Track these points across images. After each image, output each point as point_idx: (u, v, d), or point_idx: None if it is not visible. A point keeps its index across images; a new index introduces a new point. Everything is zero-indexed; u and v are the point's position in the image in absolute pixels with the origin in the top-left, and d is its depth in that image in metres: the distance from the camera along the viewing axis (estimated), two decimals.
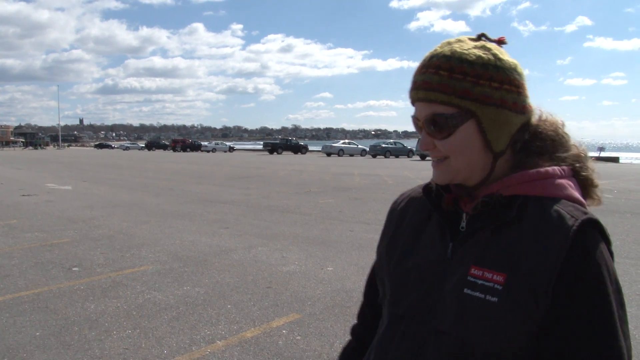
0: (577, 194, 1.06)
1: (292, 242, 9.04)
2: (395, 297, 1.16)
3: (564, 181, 1.06)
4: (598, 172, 1.13)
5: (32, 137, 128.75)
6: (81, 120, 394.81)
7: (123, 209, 13.39)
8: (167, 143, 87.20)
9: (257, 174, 25.03)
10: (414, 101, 1.09)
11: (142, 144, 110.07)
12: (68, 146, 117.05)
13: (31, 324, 5.15)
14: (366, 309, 1.42)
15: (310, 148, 64.15)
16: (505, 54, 1.07)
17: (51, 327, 5.09)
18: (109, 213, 12.63)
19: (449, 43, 1.07)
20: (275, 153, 58.45)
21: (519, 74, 1.06)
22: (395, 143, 56.55)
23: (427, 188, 1.19)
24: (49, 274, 7.09)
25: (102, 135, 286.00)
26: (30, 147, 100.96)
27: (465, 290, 1.02)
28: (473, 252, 1.04)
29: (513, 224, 1.02)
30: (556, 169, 1.07)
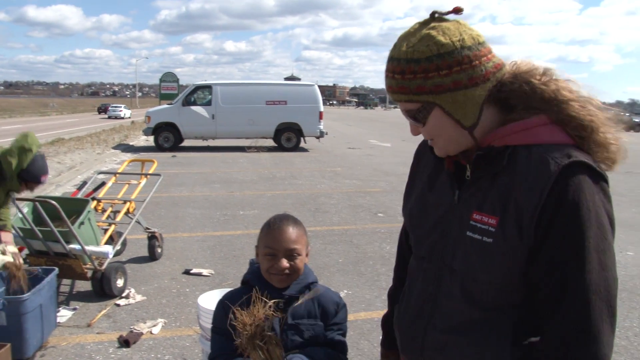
0: (561, 138, 1.15)
1: None
2: (417, 239, 1.35)
3: (547, 128, 1.15)
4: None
5: (363, 98, 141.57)
6: None
7: None
8: None
9: None
10: None
11: None
12: (394, 107, 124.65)
13: (337, 252, 6.17)
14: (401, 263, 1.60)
15: None
16: (451, 32, 1.11)
17: (351, 258, 6.00)
18: None
19: (402, 39, 1.15)
20: None
21: (470, 47, 1.11)
22: None
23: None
24: (358, 216, 8.19)
25: None
26: (362, 107, 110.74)
27: (467, 233, 1.19)
28: (475, 198, 1.19)
29: (507, 170, 1.15)
30: (537, 118, 1.16)
